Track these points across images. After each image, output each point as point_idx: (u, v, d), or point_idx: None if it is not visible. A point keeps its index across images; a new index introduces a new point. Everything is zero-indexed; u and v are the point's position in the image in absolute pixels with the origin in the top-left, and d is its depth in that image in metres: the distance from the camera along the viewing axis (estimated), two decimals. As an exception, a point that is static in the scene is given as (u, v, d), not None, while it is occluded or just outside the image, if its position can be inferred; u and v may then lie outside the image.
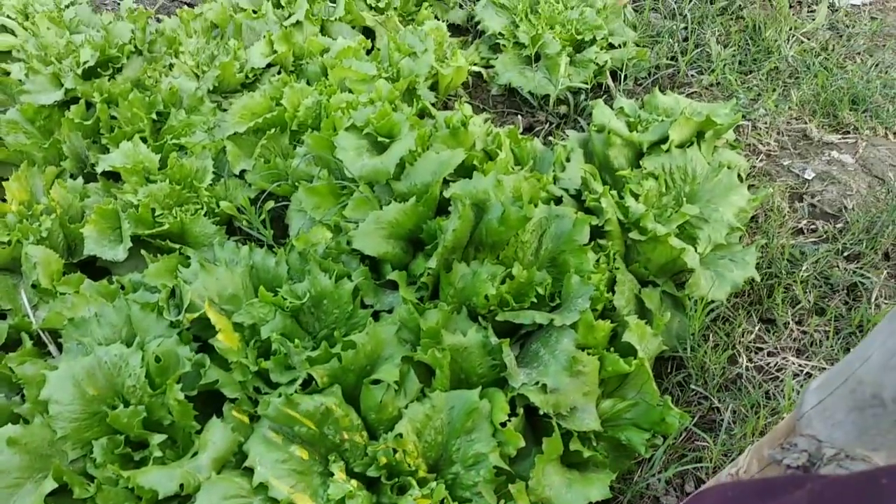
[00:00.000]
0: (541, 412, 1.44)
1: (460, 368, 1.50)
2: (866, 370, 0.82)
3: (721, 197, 1.94)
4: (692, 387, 1.69)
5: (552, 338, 1.56)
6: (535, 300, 1.62)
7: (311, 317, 1.59)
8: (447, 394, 1.41)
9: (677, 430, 1.49)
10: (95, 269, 1.92)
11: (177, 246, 1.91)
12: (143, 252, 1.84)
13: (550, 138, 2.53)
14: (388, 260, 1.72)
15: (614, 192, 1.89)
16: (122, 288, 1.71)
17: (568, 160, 2.07)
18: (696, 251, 1.79)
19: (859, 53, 2.79)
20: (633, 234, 1.81)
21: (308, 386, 1.41)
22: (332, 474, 1.30)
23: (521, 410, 1.45)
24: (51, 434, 1.35)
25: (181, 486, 1.22)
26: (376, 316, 1.63)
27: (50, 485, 1.23)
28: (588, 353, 1.54)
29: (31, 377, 1.44)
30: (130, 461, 1.34)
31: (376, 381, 1.39)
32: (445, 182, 1.84)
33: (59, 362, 1.44)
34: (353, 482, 1.29)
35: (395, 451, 1.34)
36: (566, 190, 1.97)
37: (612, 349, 1.59)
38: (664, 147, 2.03)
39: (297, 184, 1.98)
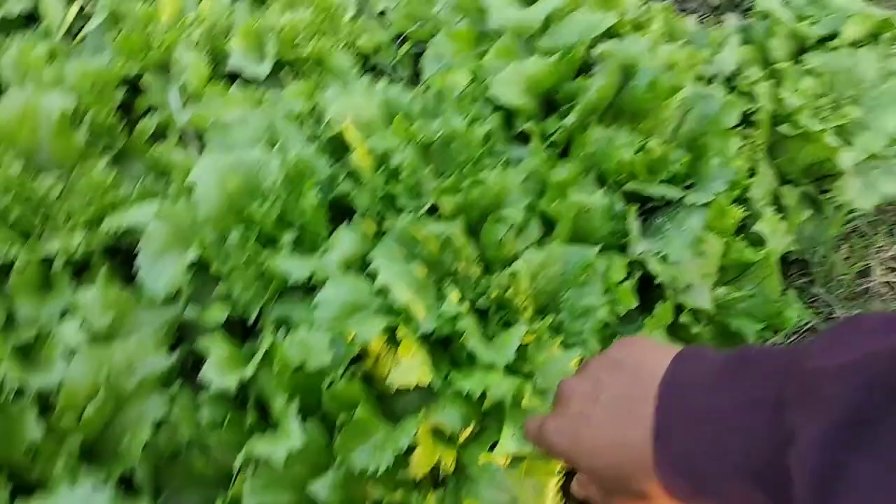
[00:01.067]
0: (656, 281, 1.43)
1: (580, 228, 1.49)
2: None
3: (886, 106, 1.79)
4: (814, 291, 1.63)
5: (680, 215, 1.52)
6: (667, 177, 1.58)
7: (440, 156, 1.60)
8: (565, 247, 1.41)
9: (793, 325, 1.45)
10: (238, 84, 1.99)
11: (315, 74, 1.94)
12: (283, 73, 1.89)
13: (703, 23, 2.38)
14: (523, 113, 1.69)
15: (770, 83, 1.78)
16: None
17: (723, 44, 1.94)
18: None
19: None
20: (784, 128, 1.71)
21: (432, 215, 1.44)
22: (446, 297, 1.34)
23: (636, 276, 1.44)
24: (193, 215, 1.44)
25: (310, 276, 1.29)
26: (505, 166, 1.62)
27: (193, 254, 1.33)
28: (714, 237, 1.50)
29: (179, 164, 1.54)
30: (262, 252, 1.42)
31: (499, 221, 1.41)
32: (591, 47, 1.78)
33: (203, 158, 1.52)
34: (465, 305, 1.33)
35: (507, 287, 1.36)
36: (717, 74, 1.86)
37: (739, 238, 1.54)
38: (832, 45, 1.87)
39: (437, 28, 1.95)
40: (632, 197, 1.56)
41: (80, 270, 1.43)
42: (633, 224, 1.46)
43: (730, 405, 0.58)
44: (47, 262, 1.37)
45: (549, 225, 1.47)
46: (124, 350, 1.25)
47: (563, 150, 1.65)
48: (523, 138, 1.68)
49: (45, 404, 1.18)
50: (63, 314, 1.30)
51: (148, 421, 1.23)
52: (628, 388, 0.67)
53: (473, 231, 1.44)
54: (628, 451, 0.64)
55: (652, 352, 0.70)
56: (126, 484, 1.21)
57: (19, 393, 1.15)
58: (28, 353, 1.26)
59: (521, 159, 1.64)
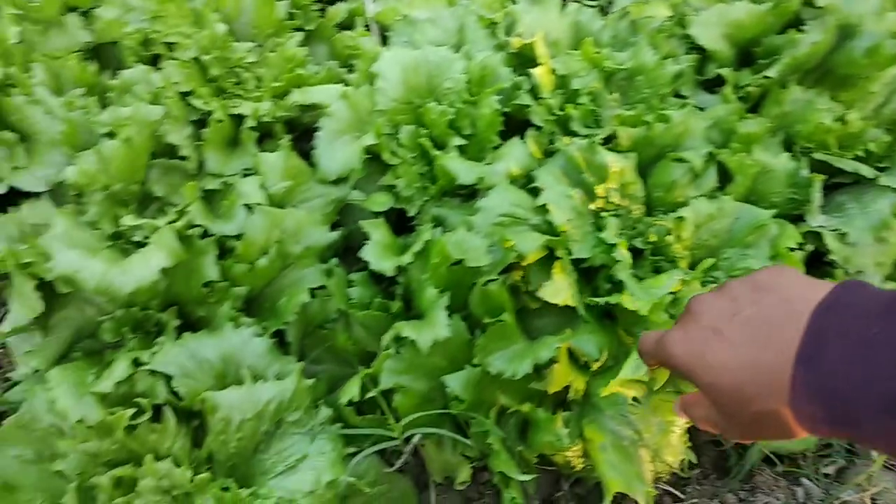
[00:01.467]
0: (829, 258, 1.36)
1: (758, 188, 1.42)
2: None
3: None
4: None
5: (868, 195, 1.42)
6: (860, 154, 1.46)
7: (623, 88, 1.56)
8: (739, 203, 1.35)
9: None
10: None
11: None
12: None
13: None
14: (718, 59, 1.60)
15: None
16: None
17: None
18: None
19: None
20: None
21: (605, 145, 1.41)
22: (603, 229, 1.33)
23: (808, 249, 1.37)
24: (372, 104, 1.48)
25: (476, 182, 1.31)
26: (685, 111, 1.56)
27: (369, 140, 1.37)
28: (900, 226, 1.39)
29: (366, 52, 1.57)
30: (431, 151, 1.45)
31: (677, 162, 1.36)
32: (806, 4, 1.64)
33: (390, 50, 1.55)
34: (621, 241, 1.31)
35: (668, 233, 1.33)
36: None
37: (928, 232, 1.42)
38: None
39: (639, -42, 1.86)
40: (818, 167, 1.46)
41: (262, 138, 1.52)
42: (816, 195, 1.37)
43: (894, 335, 0.53)
44: (236, 122, 1.47)
45: (724, 178, 1.40)
46: (294, 217, 1.33)
47: (754, 106, 1.55)
48: (711, 86, 1.60)
49: (223, 250, 1.28)
50: (246, 172, 1.39)
51: (306, 286, 1.31)
52: (774, 309, 0.63)
53: (643, 171, 1.40)
54: (760, 373, 0.61)
55: (805, 281, 0.65)
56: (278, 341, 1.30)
57: (204, 234, 1.26)
58: (211, 201, 1.37)
59: (704, 108, 1.56)
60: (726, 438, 0.74)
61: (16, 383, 1.38)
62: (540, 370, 1.18)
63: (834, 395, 0.55)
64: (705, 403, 0.71)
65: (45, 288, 1.24)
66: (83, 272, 1.15)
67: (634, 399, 1.18)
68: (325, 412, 1.19)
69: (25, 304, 1.20)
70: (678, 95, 1.55)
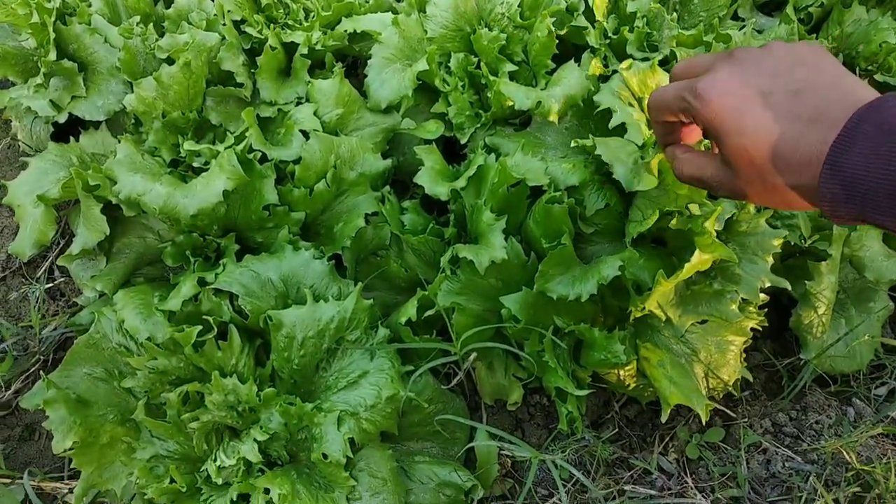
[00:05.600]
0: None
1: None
2: None
3: None
4: None
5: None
6: (925, 74, 1.42)
7: (676, 13, 1.52)
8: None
9: None
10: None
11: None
12: None
13: None
14: (776, -20, 1.56)
15: None
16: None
17: None
18: None
19: None
20: None
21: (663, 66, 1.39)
22: (659, 154, 1.31)
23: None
24: (421, 33, 1.47)
25: (533, 106, 1.30)
26: (741, 34, 1.52)
27: (421, 66, 1.36)
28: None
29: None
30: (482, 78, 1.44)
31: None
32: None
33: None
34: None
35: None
36: None
37: None
38: None
39: None
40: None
41: (312, 68, 1.52)
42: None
43: None
44: (289, 51, 1.46)
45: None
46: (349, 144, 1.33)
47: (814, 27, 1.51)
48: (768, 9, 1.55)
49: (279, 177, 1.30)
50: (298, 101, 1.40)
51: (361, 212, 1.32)
52: (825, 92, 0.62)
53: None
54: (800, 147, 0.60)
55: (849, 75, 0.64)
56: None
57: (262, 160, 1.27)
58: (266, 129, 1.38)
59: (763, 28, 1.53)
60: (717, 196, 0.73)
61: (82, 307, 1.43)
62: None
63: (855, 180, 0.56)
64: (702, 163, 0.72)
65: (108, 215, 1.27)
66: (148, 195, 1.17)
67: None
68: (382, 332, 1.22)
69: (93, 226, 1.23)
70: (735, 18, 1.51)
